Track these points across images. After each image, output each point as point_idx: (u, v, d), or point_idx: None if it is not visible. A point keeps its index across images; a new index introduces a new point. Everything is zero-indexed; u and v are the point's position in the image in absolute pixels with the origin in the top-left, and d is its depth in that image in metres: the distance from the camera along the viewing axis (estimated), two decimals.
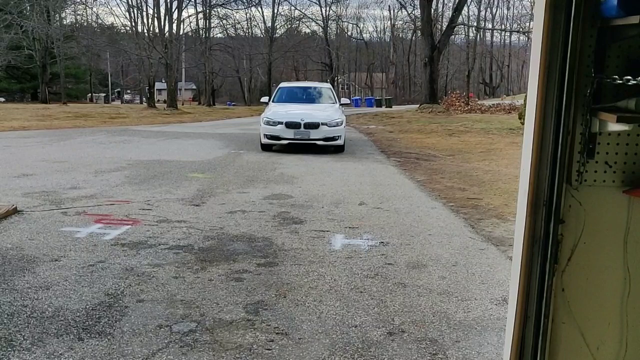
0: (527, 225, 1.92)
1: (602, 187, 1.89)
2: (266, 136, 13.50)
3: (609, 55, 1.80)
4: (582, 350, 1.97)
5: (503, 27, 61.62)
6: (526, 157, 1.92)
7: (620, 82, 1.71)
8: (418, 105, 35.86)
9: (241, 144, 15.25)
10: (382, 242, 5.58)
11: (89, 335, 3.36)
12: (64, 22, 50.68)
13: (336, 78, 62.00)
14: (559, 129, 1.82)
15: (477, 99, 42.98)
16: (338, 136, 13.46)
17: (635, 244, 1.92)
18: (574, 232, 1.90)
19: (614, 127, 1.77)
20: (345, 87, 71.30)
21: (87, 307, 3.78)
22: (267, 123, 13.52)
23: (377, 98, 56.26)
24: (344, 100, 18.13)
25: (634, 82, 1.66)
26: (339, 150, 13.67)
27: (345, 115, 14.92)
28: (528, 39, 51.21)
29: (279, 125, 13.32)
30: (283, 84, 17.66)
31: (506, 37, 67.40)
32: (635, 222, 1.91)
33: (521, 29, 51.47)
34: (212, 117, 32.08)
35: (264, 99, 16.83)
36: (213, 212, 6.78)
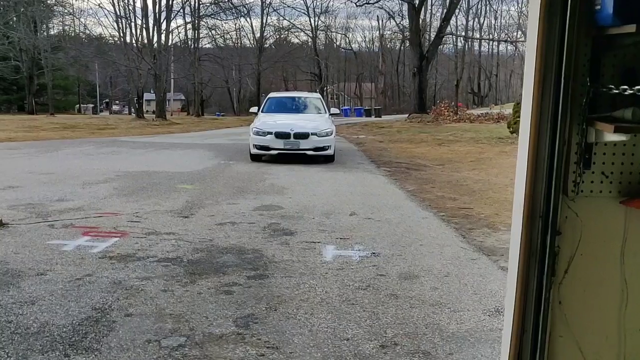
0: (523, 237, 1.89)
1: (599, 197, 1.86)
2: (256, 146, 13.44)
3: (605, 64, 1.78)
4: None
5: (491, 36, 62.17)
6: (521, 168, 1.89)
7: (617, 91, 1.68)
8: (407, 115, 36.07)
9: (231, 155, 15.19)
10: (373, 253, 5.54)
11: (75, 351, 3.28)
12: (51, 33, 50.44)
13: (325, 88, 62.14)
14: (555, 139, 1.79)
15: (465, 109, 43.14)
16: (328, 146, 13.44)
17: (633, 255, 1.89)
18: (570, 243, 1.87)
19: (611, 137, 1.74)
20: (335, 97, 71.44)
21: (74, 322, 3.70)
22: (257, 133, 13.48)
23: (367, 108, 56.51)
24: (334, 110, 18.03)
25: (630, 91, 1.64)
26: (329, 160, 13.65)
27: (335, 125, 14.92)
28: (515, 48, 51.71)
29: (269, 136, 13.29)
30: (272, 94, 17.67)
31: (494, 46, 67.98)
32: (633, 233, 1.88)
33: (509, 39, 52.04)
34: (201, 128, 32.02)
35: (253, 109, 16.85)
36: (202, 223, 6.71)
